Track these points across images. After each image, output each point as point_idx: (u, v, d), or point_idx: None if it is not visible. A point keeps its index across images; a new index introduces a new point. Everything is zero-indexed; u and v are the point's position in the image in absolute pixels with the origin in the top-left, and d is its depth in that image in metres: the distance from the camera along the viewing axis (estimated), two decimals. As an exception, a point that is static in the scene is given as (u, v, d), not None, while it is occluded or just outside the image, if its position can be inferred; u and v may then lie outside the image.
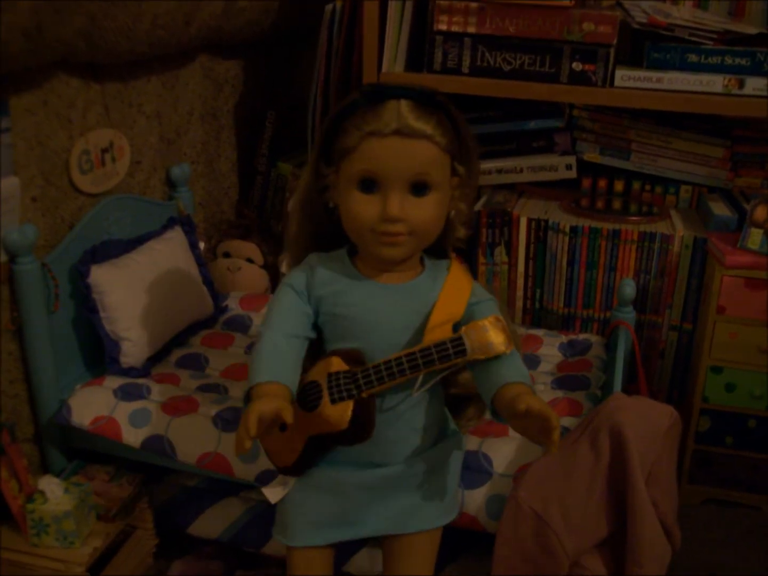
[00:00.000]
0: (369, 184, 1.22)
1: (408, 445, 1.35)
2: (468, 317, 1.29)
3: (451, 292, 1.31)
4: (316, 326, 1.35)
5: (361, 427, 1.26)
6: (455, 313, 1.30)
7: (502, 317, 1.28)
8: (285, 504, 1.40)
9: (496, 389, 1.24)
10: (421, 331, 1.28)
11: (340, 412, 1.25)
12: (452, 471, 1.43)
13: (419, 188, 1.23)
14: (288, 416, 1.16)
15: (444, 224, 1.31)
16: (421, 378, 1.26)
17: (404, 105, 1.20)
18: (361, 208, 1.23)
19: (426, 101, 1.22)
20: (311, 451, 1.32)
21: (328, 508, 1.38)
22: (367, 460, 1.35)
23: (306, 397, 1.30)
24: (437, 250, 1.37)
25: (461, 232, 1.37)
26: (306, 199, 1.35)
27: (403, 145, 1.20)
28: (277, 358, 1.27)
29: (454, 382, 1.43)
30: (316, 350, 1.37)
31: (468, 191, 1.33)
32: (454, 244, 1.39)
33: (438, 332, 1.26)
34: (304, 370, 1.32)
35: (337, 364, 1.27)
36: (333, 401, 1.25)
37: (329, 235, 1.36)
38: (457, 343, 1.23)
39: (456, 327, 1.28)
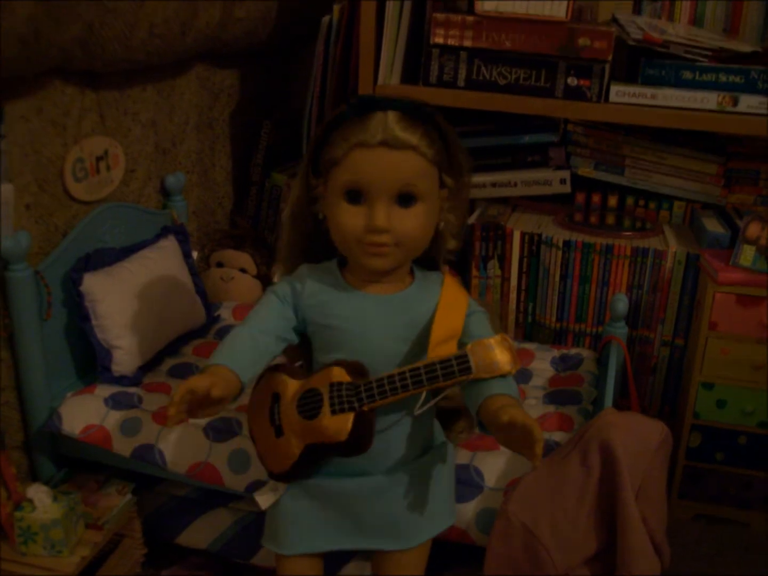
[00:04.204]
0: (355, 195, 1.23)
1: (396, 454, 1.35)
2: (463, 329, 1.30)
3: (448, 306, 1.31)
4: (303, 335, 1.36)
5: (359, 440, 1.25)
6: (456, 328, 1.29)
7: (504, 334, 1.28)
8: (276, 512, 1.40)
9: (482, 400, 1.23)
10: (414, 343, 1.29)
11: (339, 424, 1.24)
12: (443, 482, 1.42)
13: (405, 199, 1.23)
14: (216, 390, 1.20)
15: (433, 236, 1.31)
16: (423, 395, 1.26)
17: (391, 116, 1.20)
18: (347, 219, 1.24)
19: (413, 113, 1.22)
20: (307, 459, 1.31)
21: (319, 517, 1.37)
22: (355, 469, 1.34)
23: (306, 404, 1.29)
24: (428, 262, 1.37)
25: (452, 244, 1.37)
26: (297, 211, 1.36)
27: (389, 156, 1.20)
28: (234, 348, 1.30)
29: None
30: (306, 362, 1.38)
31: (458, 203, 1.34)
32: (446, 257, 1.39)
33: (444, 348, 1.26)
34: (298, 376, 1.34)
35: (340, 375, 1.26)
36: (333, 412, 1.25)
37: (320, 246, 1.36)
38: (463, 360, 1.22)
39: (459, 342, 1.28)
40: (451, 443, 1.48)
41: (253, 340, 1.32)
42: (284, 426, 1.31)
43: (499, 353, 1.23)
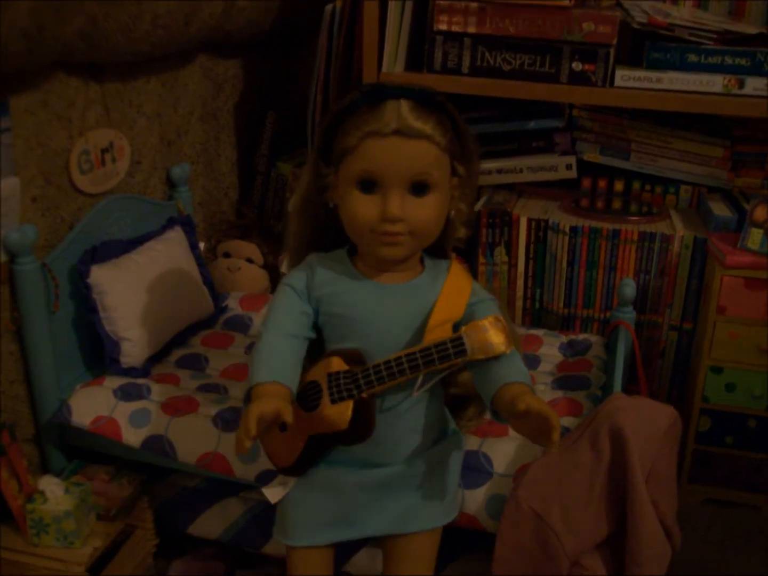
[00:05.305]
0: (369, 185, 1.22)
1: (408, 444, 1.35)
2: (468, 317, 1.29)
3: (451, 292, 1.31)
4: (316, 326, 1.35)
5: (361, 427, 1.26)
6: (455, 313, 1.30)
7: (502, 317, 1.28)
8: (285, 504, 1.40)
9: (496, 389, 1.24)
10: (421, 331, 1.28)
11: (339, 413, 1.25)
12: (452, 471, 1.43)
13: (419, 188, 1.23)
14: (288, 416, 1.17)
15: (444, 224, 1.31)
16: (421, 378, 1.26)
17: (404, 105, 1.20)
18: (360, 209, 1.23)
19: (426, 101, 1.22)
20: (312, 450, 1.33)
21: (328, 508, 1.38)
22: (367, 460, 1.35)
23: (306, 397, 1.30)
24: (437, 250, 1.37)
25: (461, 232, 1.37)
26: (306, 200, 1.35)
27: (402, 145, 1.20)
28: (276, 358, 1.27)
29: (453, 382, 1.43)
30: (316, 351, 1.38)
31: (468, 191, 1.34)
32: (455, 245, 1.39)
33: (438, 332, 1.26)
34: (303, 370, 1.32)
35: (338, 364, 1.27)
36: (333, 401, 1.26)
37: (329, 235, 1.36)
38: (458, 343, 1.23)
39: (456, 327, 1.28)
40: (462, 430, 1.48)
41: (286, 345, 1.29)
42: None
43: (493, 334, 1.24)
